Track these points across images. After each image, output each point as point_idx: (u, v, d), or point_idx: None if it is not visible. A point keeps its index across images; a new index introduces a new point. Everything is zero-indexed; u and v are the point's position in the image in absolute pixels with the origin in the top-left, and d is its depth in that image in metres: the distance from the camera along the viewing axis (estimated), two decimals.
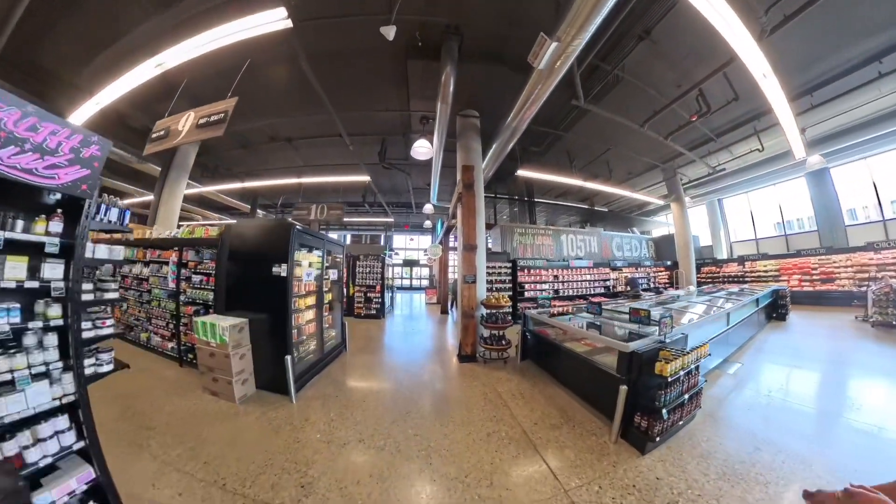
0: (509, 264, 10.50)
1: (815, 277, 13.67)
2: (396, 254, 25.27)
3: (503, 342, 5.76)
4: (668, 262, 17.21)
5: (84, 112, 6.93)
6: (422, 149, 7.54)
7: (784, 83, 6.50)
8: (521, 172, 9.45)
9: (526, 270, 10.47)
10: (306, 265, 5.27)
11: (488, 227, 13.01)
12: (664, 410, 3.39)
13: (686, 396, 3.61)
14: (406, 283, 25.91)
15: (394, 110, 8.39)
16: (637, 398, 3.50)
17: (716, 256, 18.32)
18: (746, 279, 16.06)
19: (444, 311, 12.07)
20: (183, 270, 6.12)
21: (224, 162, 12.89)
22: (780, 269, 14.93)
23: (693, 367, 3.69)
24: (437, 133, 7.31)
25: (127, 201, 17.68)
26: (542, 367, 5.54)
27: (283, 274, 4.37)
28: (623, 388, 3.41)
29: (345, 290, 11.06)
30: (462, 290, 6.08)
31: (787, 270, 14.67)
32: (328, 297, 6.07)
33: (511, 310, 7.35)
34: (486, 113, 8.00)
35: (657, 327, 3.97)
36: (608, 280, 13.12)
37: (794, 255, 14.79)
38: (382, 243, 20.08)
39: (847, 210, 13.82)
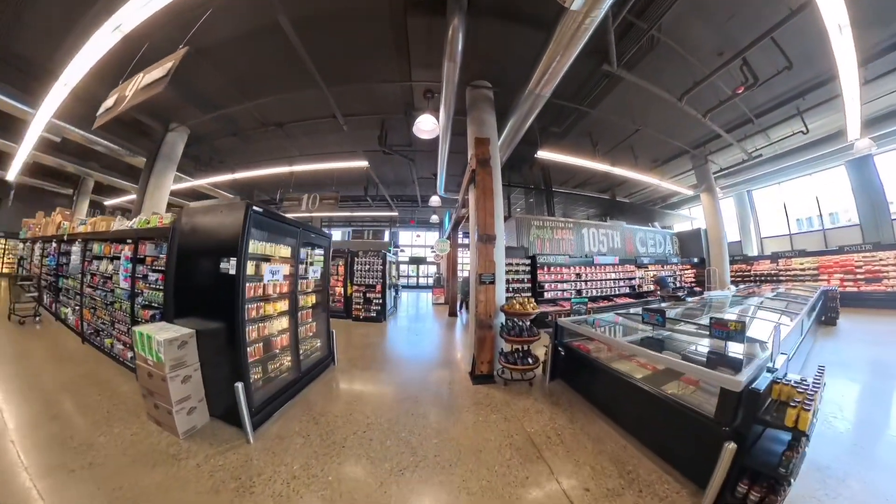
0: (528, 261, 9.25)
1: (859, 277, 12.25)
2: (402, 251, 24.16)
3: (529, 360, 4.56)
4: (695, 260, 15.83)
5: (56, 97, 5.94)
6: (426, 125, 6.38)
7: (858, 40, 5.17)
8: (542, 154, 8.19)
9: (545, 268, 9.20)
10: (274, 261, 4.12)
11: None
12: (791, 479, 2.18)
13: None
14: (412, 281, 24.78)
15: (393, 81, 7.20)
16: (744, 456, 2.29)
17: (745, 253, 16.85)
18: (781, 278, 14.66)
19: (453, 314, 10.88)
20: (141, 267, 5.08)
21: (218, 153, 11.88)
22: (820, 268, 13.51)
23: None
24: (443, 106, 6.13)
25: (121, 199, 16.83)
26: (578, 390, 4.32)
27: (232, 271, 3.21)
28: (730, 447, 2.19)
29: (342, 289, 9.99)
30: (477, 293, 4.88)
31: (827, 269, 13.25)
32: (308, 300, 4.92)
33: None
34: (500, 84, 6.80)
35: (745, 345, 2.75)
36: (633, 279, 11.81)
37: (836, 251, 13.34)
38: (388, 240, 18.95)
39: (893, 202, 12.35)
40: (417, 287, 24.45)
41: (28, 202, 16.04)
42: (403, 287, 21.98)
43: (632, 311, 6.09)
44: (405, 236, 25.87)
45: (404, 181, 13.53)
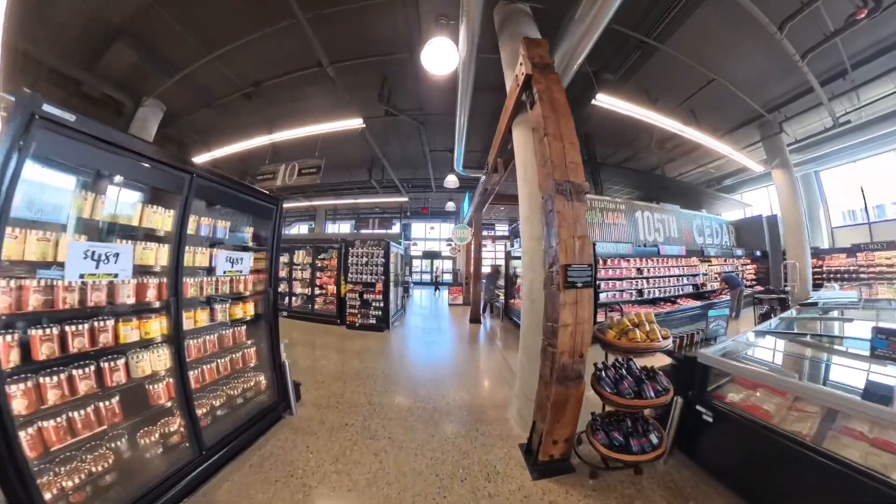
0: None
1: None
2: (414, 244, 22.09)
3: (651, 437, 2.38)
4: (758, 253, 13.25)
5: None
6: (441, 54, 4.29)
7: None
8: (602, 99, 5.85)
9: (601, 261, 6.86)
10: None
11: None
12: None
13: None
14: (426, 277, 22.71)
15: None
16: None
17: (816, 245, 14.15)
18: (862, 275, 12.04)
19: (476, 319, 8.71)
20: None
21: (198, 132, 10.06)
22: None
23: None
24: (464, 30, 4.01)
25: None
26: (735, 485, 2.15)
27: None
28: None
29: (335, 288, 7.97)
30: (548, 309, 2.59)
31: None
32: (234, 310, 2.84)
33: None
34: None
35: None
36: (697, 275, 9.43)
37: None
38: (398, 231, 16.87)
39: None
40: (432, 284, 22.39)
41: None
42: (416, 284, 20.00)
43: (774, 327, 3.86)
44: (418, 229, 23.79)
45: (414, 160, 11.38)
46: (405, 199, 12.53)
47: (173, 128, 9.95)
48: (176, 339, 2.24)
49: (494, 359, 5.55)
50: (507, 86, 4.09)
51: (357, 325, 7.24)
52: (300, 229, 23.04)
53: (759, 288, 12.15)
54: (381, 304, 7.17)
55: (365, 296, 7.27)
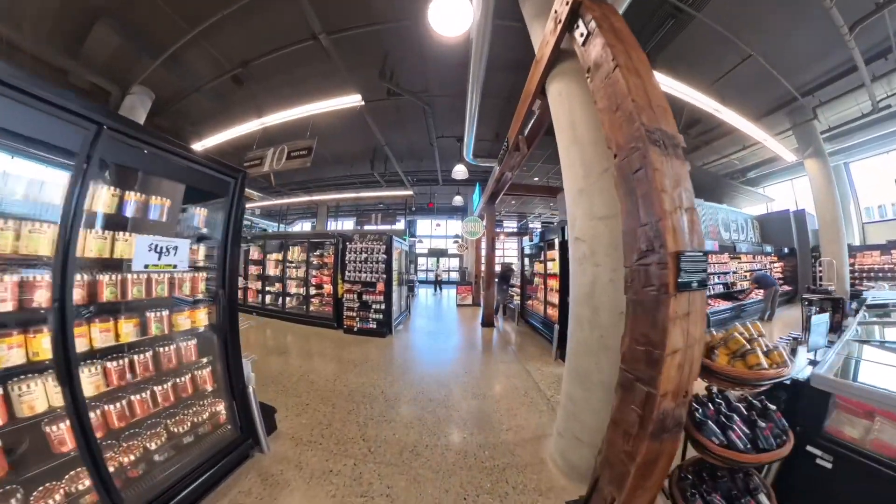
0: None
1: None
2: (419, 241, 21.33)
3: (759, 496, 1.55)
4: (785, 250, 12.36)
5: None
6: (451, 8, 3.55)
7: None
8: None
9: None
10: None
11: (550, 191, 8.79)
12: None
13: None
14: (432, 276, 21.95)
15: None
16: None
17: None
18: None
19: (489, 323, 7.92)
20: None
21: (191, 123, 9.46)
22: None
23: None
24: None
25: None
26: None
27: None
28: None
29: (332, 288, 7.23)
30: (635, 322, 1.67)
31: None
32: (178, 321, 2.08)
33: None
34: None
35: None
36: (727, 273, 8.59)
37: None
38: (403, 228, 16.11)
39: None
40: (437, 282, 21.63)
41: None
42: (421, 283, 19.26)
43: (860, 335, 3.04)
44: (423, 226, 23.02)
45: (420, 150, 10.61)
46: (410, 192, 11.75)
47: (165, 117, 9.35)
48: (64, 361, 1.49)
49: (516, 373, 4.75)
50: (534, 43, 3.30)
51: (355, 329, 6.49)
52: (303, 226, 22.41)
53: (786, 287, 11.30)
54: (383, 307, 6.41)
55: (364, 297, 6.51)
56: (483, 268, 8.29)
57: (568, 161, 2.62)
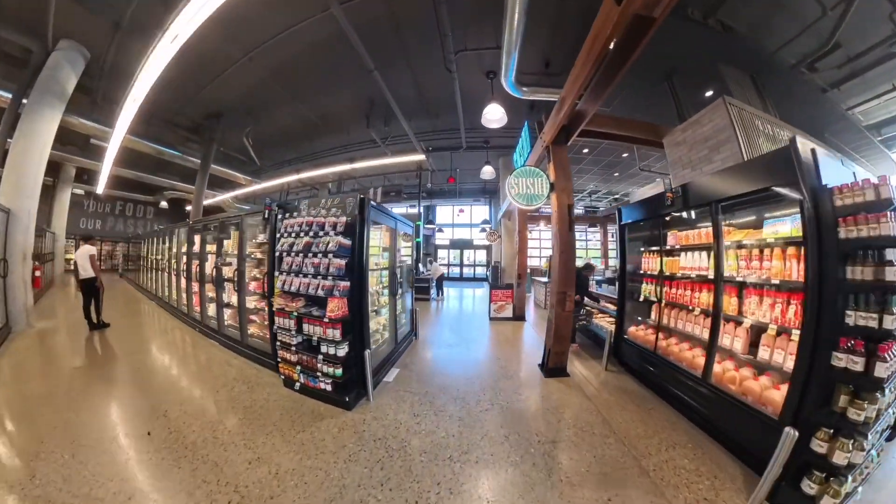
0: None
1: None
2: (440, 230, 17.84)
3: None
4: None
5: None
6: None
7: None
8: None
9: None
10: None
11: (654, 131, 4.82)
12: None
13: None
14: (454, 271, 18.43)
15: None
16: None
17: None
18: None
19: (559, 370, 3.98)
20: None
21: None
22: None
23: None
24: None
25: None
26: None
27: None
28: None
29: (269, 300, 3.85)
30: None
31: None
32: None
33: None
34: None
35: None
36: None
37: None
38: (421, 214, 12.51)
39: None
40: (461, 280, 18.11)
41: None
42: (445, 280, 15.60)
43: None
44: (443, 213, 19.51)
45: (432, 100, 7.13)
46: (422, 156, 8.29)
47: (107, 82, 6.77)
48: None
49: None
50: None
51: (296, 386, 3.18)
52: None
53: None
54: (343, 340, 3.03)
55: (305, 323, 3.19)
56: (546, 262, 4.53)
57: None
